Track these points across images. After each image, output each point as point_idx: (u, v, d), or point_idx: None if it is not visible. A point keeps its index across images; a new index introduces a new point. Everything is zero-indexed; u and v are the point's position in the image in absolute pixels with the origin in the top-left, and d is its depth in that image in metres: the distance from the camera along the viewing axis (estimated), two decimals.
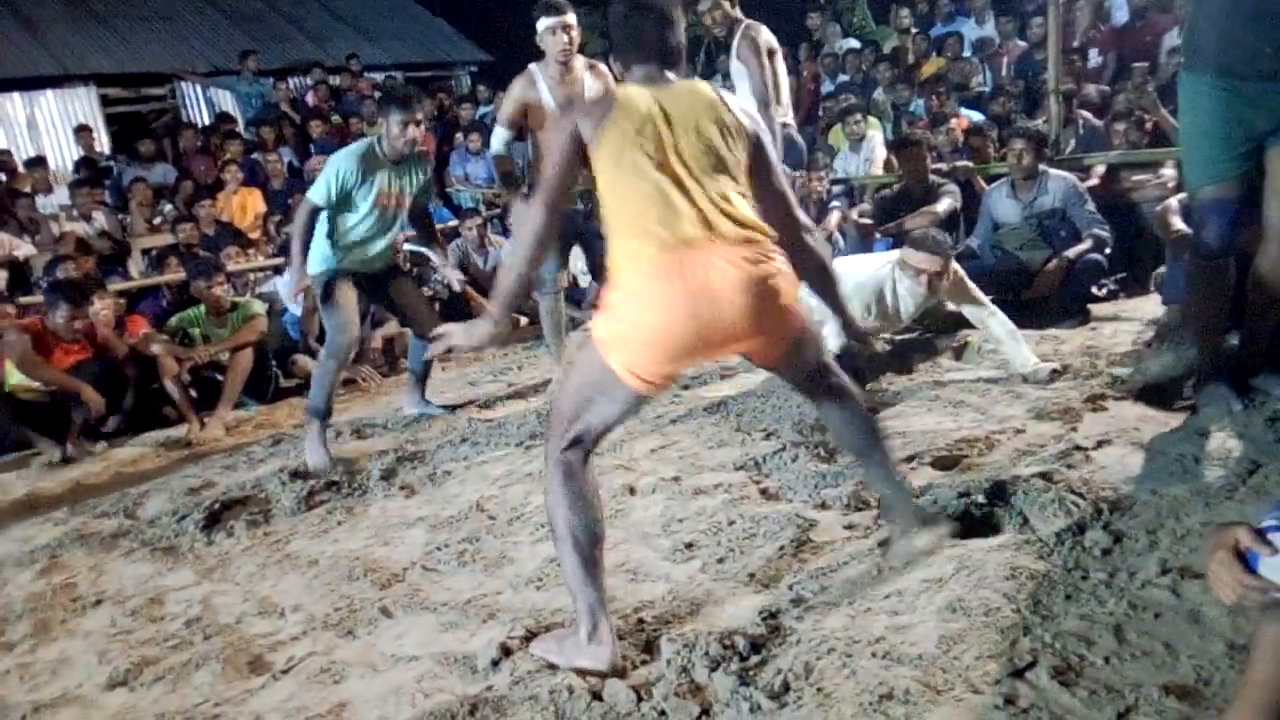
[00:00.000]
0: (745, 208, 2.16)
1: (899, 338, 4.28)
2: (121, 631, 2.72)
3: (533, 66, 4.38)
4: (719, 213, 2.10)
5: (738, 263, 2.07)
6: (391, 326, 6.04)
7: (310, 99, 10.63)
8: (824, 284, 2.42)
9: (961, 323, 4.34)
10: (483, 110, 10.20)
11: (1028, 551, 2.33)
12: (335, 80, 11.26)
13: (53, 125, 11.05)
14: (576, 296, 6.50)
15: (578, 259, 6.54)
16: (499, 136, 4.55)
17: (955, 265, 3.95)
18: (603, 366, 2.12)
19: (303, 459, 3.98)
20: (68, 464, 4.58)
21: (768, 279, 2.11)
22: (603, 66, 4.43)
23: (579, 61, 4.35)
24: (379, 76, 12.00)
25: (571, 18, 4.25)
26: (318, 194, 4.03)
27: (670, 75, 2.23)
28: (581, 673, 2.08)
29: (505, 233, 7.36)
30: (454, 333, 2.31)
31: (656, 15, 2.21)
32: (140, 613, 2.82)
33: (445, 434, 4.25)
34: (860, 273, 4.04)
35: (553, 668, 2.12)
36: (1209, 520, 2.34)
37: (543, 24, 4.23)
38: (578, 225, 5.53)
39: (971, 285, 3.92)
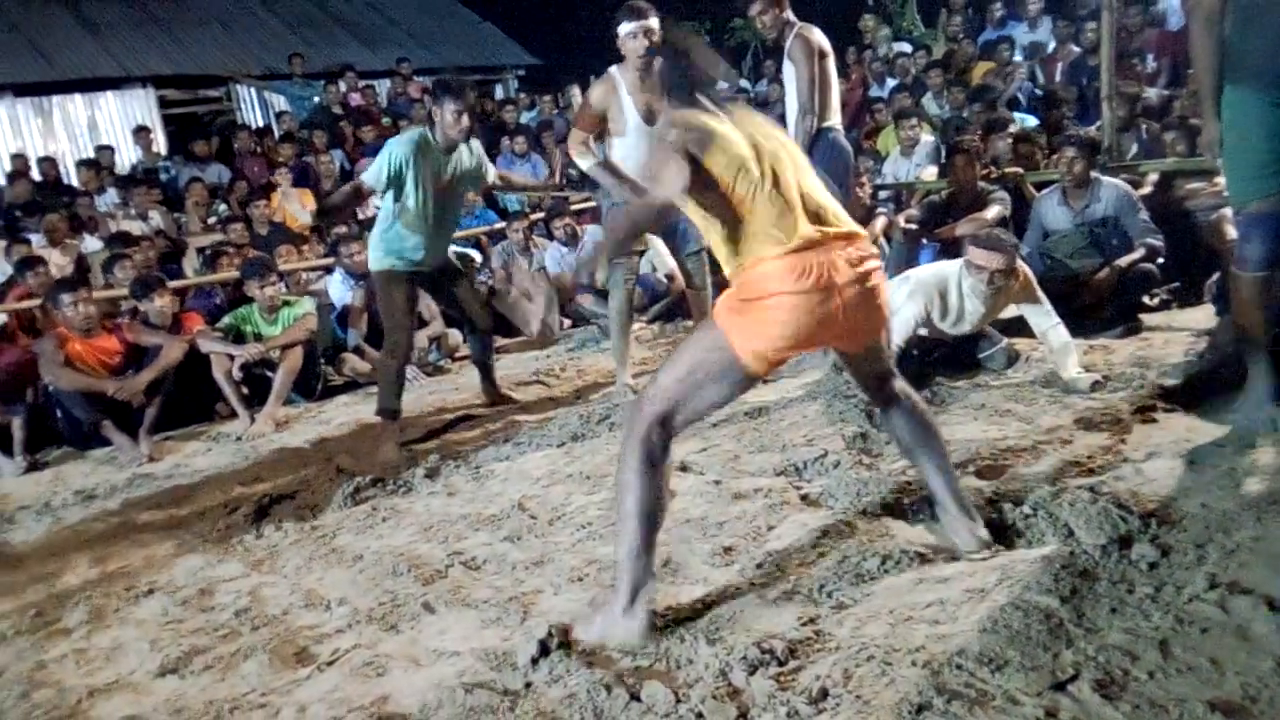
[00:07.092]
0: (836, 207, 2.32)
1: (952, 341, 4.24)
2: (173, 621, 2.79)
3: (613, 71, 4.21)
4: (824, 212, 2.27)
5: (850, 259, 2.22)
6: (435, 326, 6.11)
7: (354, 100, 10.77)
8: None
9: (1009, 329, 4.30)
10: (526, 116, 10.30)
11: (1073, 564, 2.30)
12: (376, 83, 11.45)
13: (112, 126, 11.34)
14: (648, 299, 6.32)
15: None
16: (581, 144, 4.32)
17: (1025, 268, 3.92)
18: (726, 350, 2.21)
19: (353, 455, 4.04)
20: (152, 462, 4.64)
21: (873, 274, 2.27)
22: None
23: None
24: (428, 80, 12.16)
25: (654, 21, 4.05)
26: (370, 176, 4.14)
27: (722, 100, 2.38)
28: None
29: (549, 235, 7.40)
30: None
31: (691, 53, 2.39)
32: (191, 603, 2.90)
33: (488, 434, 4.30)
34: (925, 272, 4.02)
35: (590, 663, 2.14)
36: (1259, 536, 2.30)
37: (624, 29, 4.05)
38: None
39: (1039, 291, 3.89)
